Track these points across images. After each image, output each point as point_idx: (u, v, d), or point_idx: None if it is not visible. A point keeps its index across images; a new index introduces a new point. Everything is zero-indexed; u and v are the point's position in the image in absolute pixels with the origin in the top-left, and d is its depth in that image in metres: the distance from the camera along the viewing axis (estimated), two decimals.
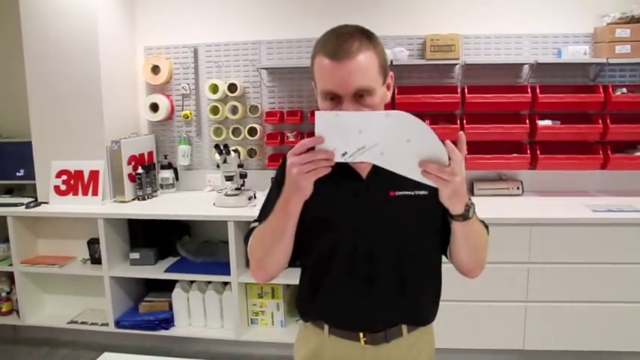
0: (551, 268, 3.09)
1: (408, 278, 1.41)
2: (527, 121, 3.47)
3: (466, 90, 3.52)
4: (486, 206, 3.26)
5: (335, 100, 1.27)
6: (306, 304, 1.52)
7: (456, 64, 3.56)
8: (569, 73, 3.55)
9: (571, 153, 3.47)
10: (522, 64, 3.55)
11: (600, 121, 3.41)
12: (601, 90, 3.41)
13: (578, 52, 3.38)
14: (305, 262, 1.50)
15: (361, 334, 1.43)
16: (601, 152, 3.44)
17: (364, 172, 1.40)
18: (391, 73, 1.37)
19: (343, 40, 1.24)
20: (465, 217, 1.25)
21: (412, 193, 1.36)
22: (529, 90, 3.45)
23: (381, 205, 1.38)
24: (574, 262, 3.07)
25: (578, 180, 3.61)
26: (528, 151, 3.49)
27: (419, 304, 1.44)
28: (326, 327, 1.47)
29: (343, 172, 1.38)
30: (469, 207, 1.25)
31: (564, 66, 3.51)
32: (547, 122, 3.48)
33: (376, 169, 1.37)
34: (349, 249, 1.40)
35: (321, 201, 1.34)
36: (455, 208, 1.23)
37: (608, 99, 3.38)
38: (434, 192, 1.28)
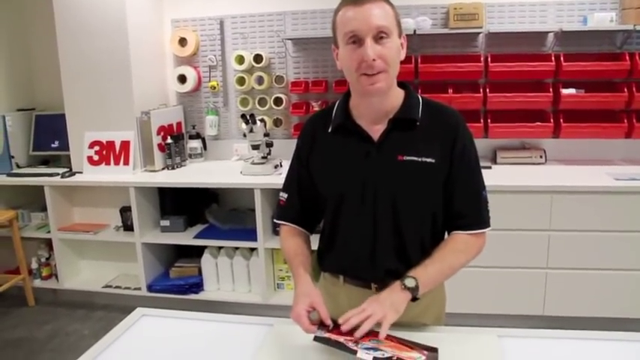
0: (571, 235, 3.11)
1: (407, 240, 1.49)
2: (551, 90, 3.46)
3: (489, 59, 3.51)
4: (509, 174, 3.33)
5: (357, 43, 1.37)
6: (323, 256, 1.64)
7: (480, 33, 3.56)
8: (595, 40, 3.50)
9: (595, 121, 3.45)
10: (547, 33, 3.52)
11: (626, 90, 3.38)
12: (627, 58, 3.36)
13: (604, 19, 3.33)
14: (324, 218, 1.62)
15: (372, 284, 1.53)
16: (626, 121, 3.42)
17: (376, 135, 1.48)
18: (404, 35, 1.46)
19: None
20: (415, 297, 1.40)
21: (419, 159, 1.44)
22: (553, 58, 3.43)
23: (388, 167, 1.46)
24: (595, 230, 3.08)
25: (602, 149, 3.60)
26: (552, 120, 3.49)
27: (419, 263, 1.48)
28: (341, 277, 1.59)
29: (357, 134, 1.48)
30: (413, 295, 1.39)
31: (590, 34, 3.47)
32: (571, 90, 3.46)
33: (388, 134, 1.46)
34: (356, 207, 1.50)
35: (334, 159, 1.46)
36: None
37: (634, 66, 3.34)
38: (440, 161, 1.38)
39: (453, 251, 1.49)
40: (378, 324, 1.32)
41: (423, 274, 1.42)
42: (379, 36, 1.36)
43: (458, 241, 1.50)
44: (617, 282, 3.12)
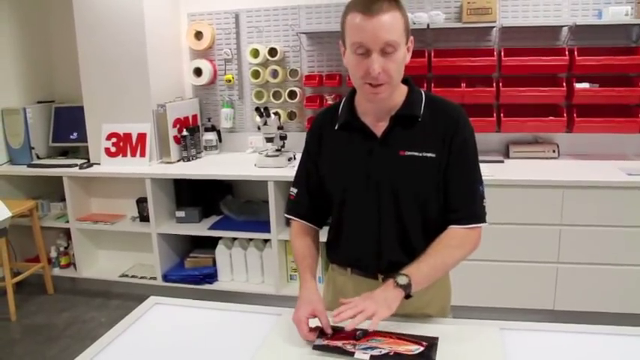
0: (583, 230, 3.11)
1: (411, 233, 1.53)
2: (565, 84, 3.45)
3: (503, 53, 3.50)
4: (521, 169, 3.34)
5: (364, 54, 1.39)
6: (331, 249, 1.68)
7: (493, 27, 3.55)
8: (610, 35, 3.47)
9: (609, 116, 3.42)
10: (561, 27, 3.50)
11: None
12: None
13: (619, 13, 3.30)
14: (332, 212, 1.65)
15: (379, 274, 1.57)
16: None
17: (380, 132, 1.51)
18: (411, 37, 1.47)
19: (374, 0, 1.37)
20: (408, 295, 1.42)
21: (420, 154, 1.47)
22: (567, 52, 3.42)
23: (390, 163, 1.49)
24: (606, 225, 3.08)
25: (615, 143, 3.58)
26: (565, 114, 3.48)
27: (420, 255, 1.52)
28: (348, 269, 1.63)
29: (362, 130, 1.52)
30: (406, 293, 1.41)
31: (605, 28, 3.43)
32: (585, 85, 3.44)
33: (390, 131, 1.49)
34: (360, 202, 1.54)
35: (339, 155, 1.52)
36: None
37: None
38: (440, 155, 1.41)
39: (446, 247, 1.51)
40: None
41: (416, 271, 1.44)
42: (386, 50, 1.37)
43: (452, 236, 1.52)
44: (628, 277, 3.12)
